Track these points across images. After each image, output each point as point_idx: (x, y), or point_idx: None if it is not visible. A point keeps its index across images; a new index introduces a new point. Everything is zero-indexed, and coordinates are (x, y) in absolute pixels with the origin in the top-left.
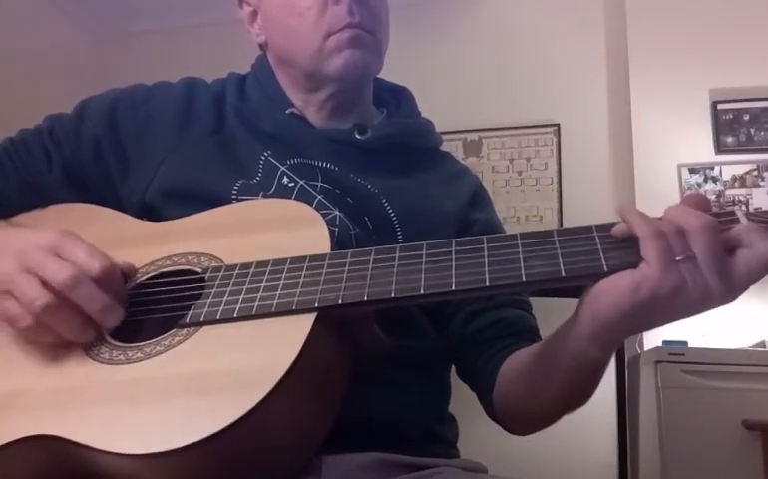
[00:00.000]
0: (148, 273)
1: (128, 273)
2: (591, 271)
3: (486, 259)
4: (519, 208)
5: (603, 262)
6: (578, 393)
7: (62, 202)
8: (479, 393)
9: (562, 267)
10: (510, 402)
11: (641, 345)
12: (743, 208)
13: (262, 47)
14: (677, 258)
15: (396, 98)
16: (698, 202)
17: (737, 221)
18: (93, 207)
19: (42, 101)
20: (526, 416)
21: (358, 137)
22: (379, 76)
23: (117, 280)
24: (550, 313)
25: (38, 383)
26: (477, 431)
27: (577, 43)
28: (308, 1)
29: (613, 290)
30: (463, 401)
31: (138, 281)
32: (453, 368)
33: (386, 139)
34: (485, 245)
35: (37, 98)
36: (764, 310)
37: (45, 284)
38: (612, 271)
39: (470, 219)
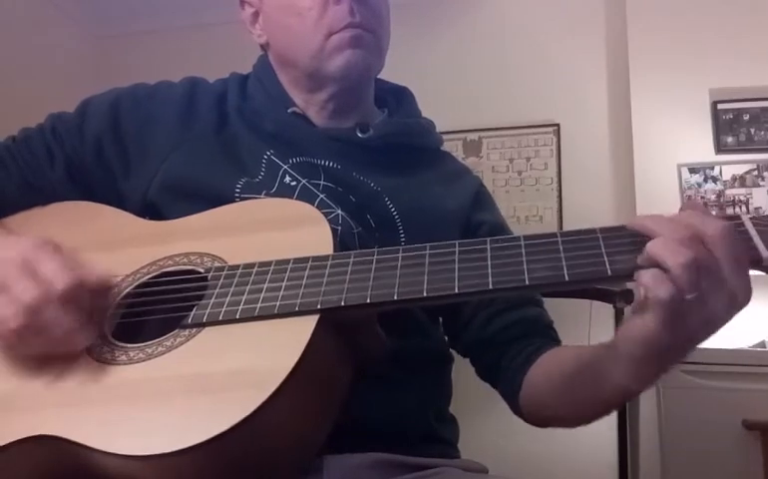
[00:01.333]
0: (150, 273)
1: (101, 288)
2: (595, 275)
3: (489, 262)
4: (519, 208)
5: (607, 266)
6: (612, 407)
7: (64, 200)
8: (503, 393)
9: (565, 271)
10: (543, 409)
11: None
12: (743, 209)
13: (264, 48)
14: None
15: (397, 98)
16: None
17: (741, 225)
18: (96, 205)
19: (42, 101)
20: (557, 422)
21: (360, 135)
22: (379, 76)
23: (84, 297)
24: (551, 314)
25: (39, 383)
26: (477, 431)
27: (577, 43)
28: (309, 1)
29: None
30: (463, 401)
31: (140, 281)
32: (453, 368)
33: (388, 138)
34: (488, 248)
35: (37, 98)
36: (764, 310)
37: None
38: (616, 275)
39: (475, 220)
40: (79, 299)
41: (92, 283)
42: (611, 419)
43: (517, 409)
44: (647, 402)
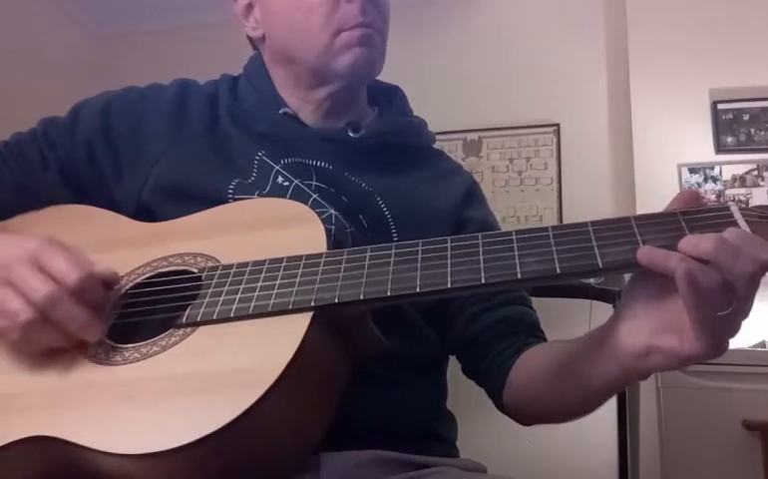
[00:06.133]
0: (144, 274)
1: (110, 281)
2: (586, 268)
3: (481, 257)
4: (519, 208)
5: (598, 259)
6: (603, 401)
7: (58, 204)
8: (488, 391)
9: (557, 264)
10: (529, 405)
11: None
12: (739, 203)
13: (254, 44)
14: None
15: (388, 97)
16: (690, 199)
17: (731, 216)
18: (89, 208)
19: (42, 101)
20: (543, 416)
21: (352, 135)
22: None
23: (96, 290)
24: (548, 314)
25: (36, 384)
26: (477, 431)
27: (578, 43)
28: None
29: (660, 356)
30: (462, 401)
31: (135, 282)
32: (449, 367)
33: (379, 136)
34: (480, 242)
35: (37, 98)
36: (764, 310)
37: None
38: (607, 268)
39: (464, 217)
40: (90, 292)
41: (101, 276)
42: (611, 419)
43: (501, 407)
44: (647, 402)
